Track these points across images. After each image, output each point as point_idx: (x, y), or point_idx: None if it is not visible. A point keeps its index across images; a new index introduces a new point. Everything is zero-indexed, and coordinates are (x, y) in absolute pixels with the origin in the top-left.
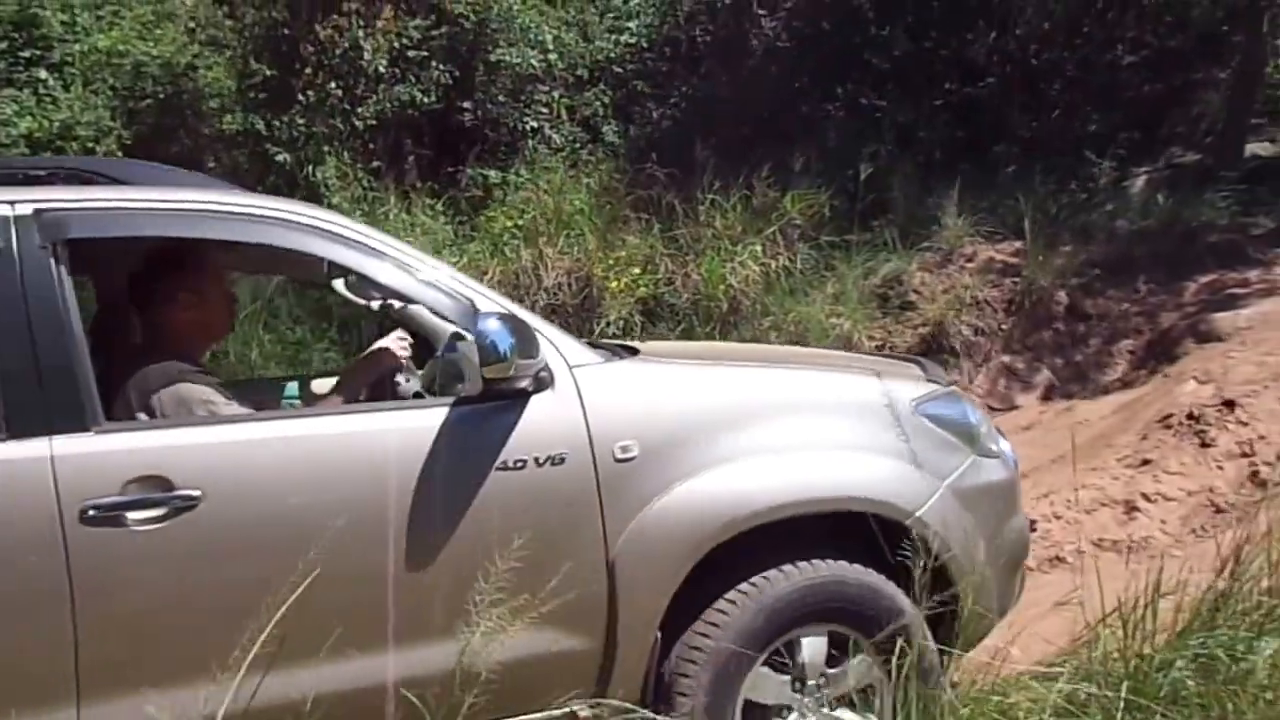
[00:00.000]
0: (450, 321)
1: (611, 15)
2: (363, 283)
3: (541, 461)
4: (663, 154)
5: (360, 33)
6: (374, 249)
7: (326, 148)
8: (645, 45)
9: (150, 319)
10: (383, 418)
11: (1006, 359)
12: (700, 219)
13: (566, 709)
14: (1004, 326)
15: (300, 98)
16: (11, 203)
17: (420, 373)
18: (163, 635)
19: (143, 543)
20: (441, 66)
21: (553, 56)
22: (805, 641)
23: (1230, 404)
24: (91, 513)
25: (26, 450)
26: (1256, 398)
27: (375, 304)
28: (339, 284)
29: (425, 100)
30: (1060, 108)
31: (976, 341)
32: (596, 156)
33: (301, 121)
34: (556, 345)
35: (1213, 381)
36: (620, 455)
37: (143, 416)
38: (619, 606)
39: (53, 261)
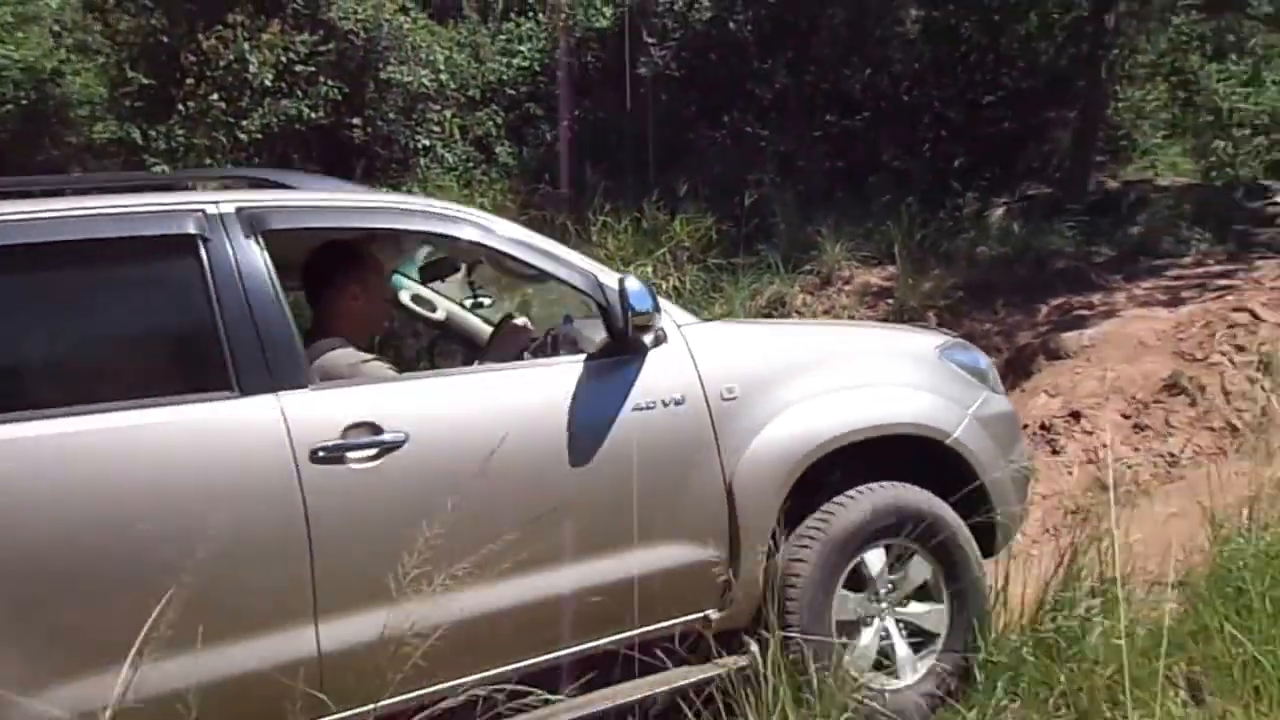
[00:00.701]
0: (582, 291)
1: (504, 38)
2: (506, 262)
3: (666, 403)
4: (555, 175)
5: (246, 45)
6: (514, 237)
7: (208, 160)
8: (538, 69)
9: (323, 306)
10: (544, 370)
11: None
12: (593, 240)
13: (702, 614)
14: None
15: (180, 108)
16: (216, 202)
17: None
18: (380, 555)
19: (360, 477)
20: (330, 82)
21: (444, 76)
22: (869, 558)
23: (1076, 415)
24: (321, 453)
25: (260, 405)
26: (1099, 409)
27: (439, 314)
28: (404, 295)
29: (314, 115)
30: (928, 142)
31: None
32: (490, 176)
33: (181, 132)
34: (665, 308)
35: (1061, 395)
36: (727, 395)
37: None
38: (738, 521)
39: (259, 249)
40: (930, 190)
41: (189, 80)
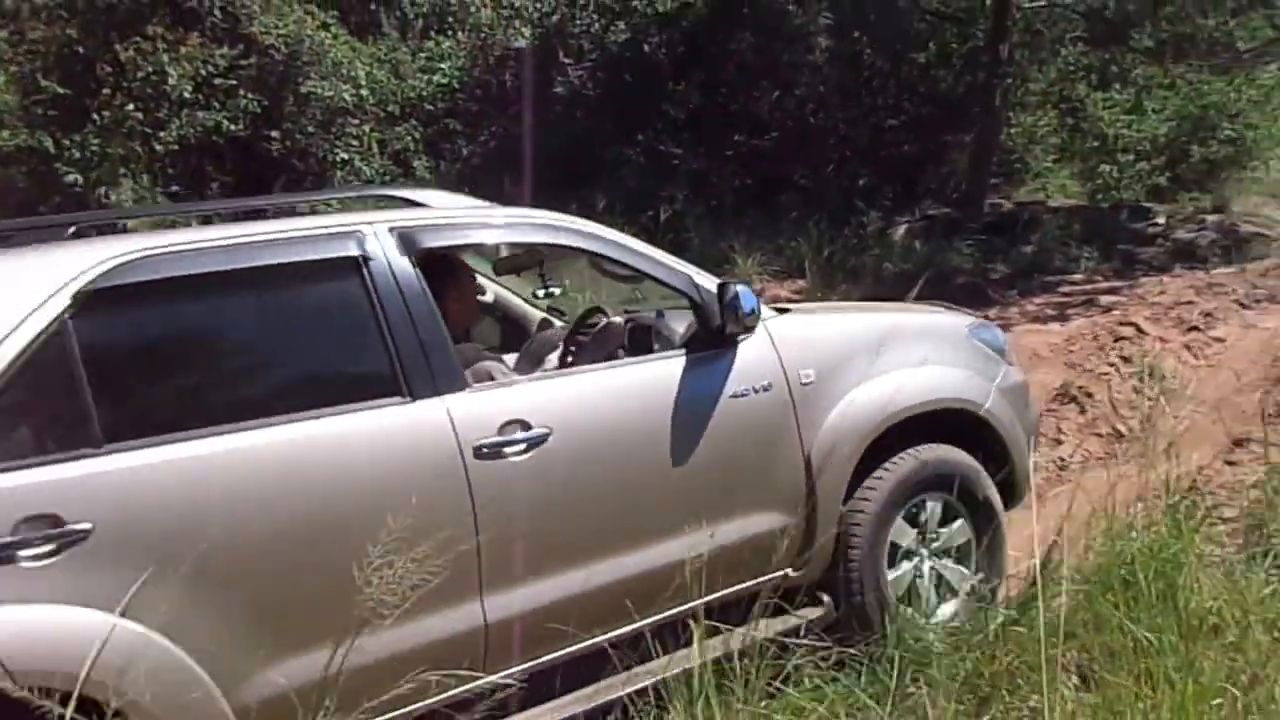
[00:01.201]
0: (678, 290)
1: (424, 55)
2: (606, 264)
3: (757, 390)
4: (474, 190)
5: (165, 57)
6: (619, 243)
7: (123, 170)
8: (457, 86)
9: None
10: (656, 365)
11: None
12: None
13: (782, 571)
14: None
15: (95, 118)
16: (371, 223)
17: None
18: (533, 536)
19: (515, 469)
20: (250, 95)
21: (364, 91)
22: (929, 504)
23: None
24: (484, 449)
25: (428, 408)
26: None
27: (488, 297)
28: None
29: (232, 128)
30: (834, 163)
31: None
32: None
33: (96, 142)
34: None
35: None
36: (804, 380)
37: None
38: (815, 490)
39: (413, 266)
40: (837, 209)
41: (105, 90)
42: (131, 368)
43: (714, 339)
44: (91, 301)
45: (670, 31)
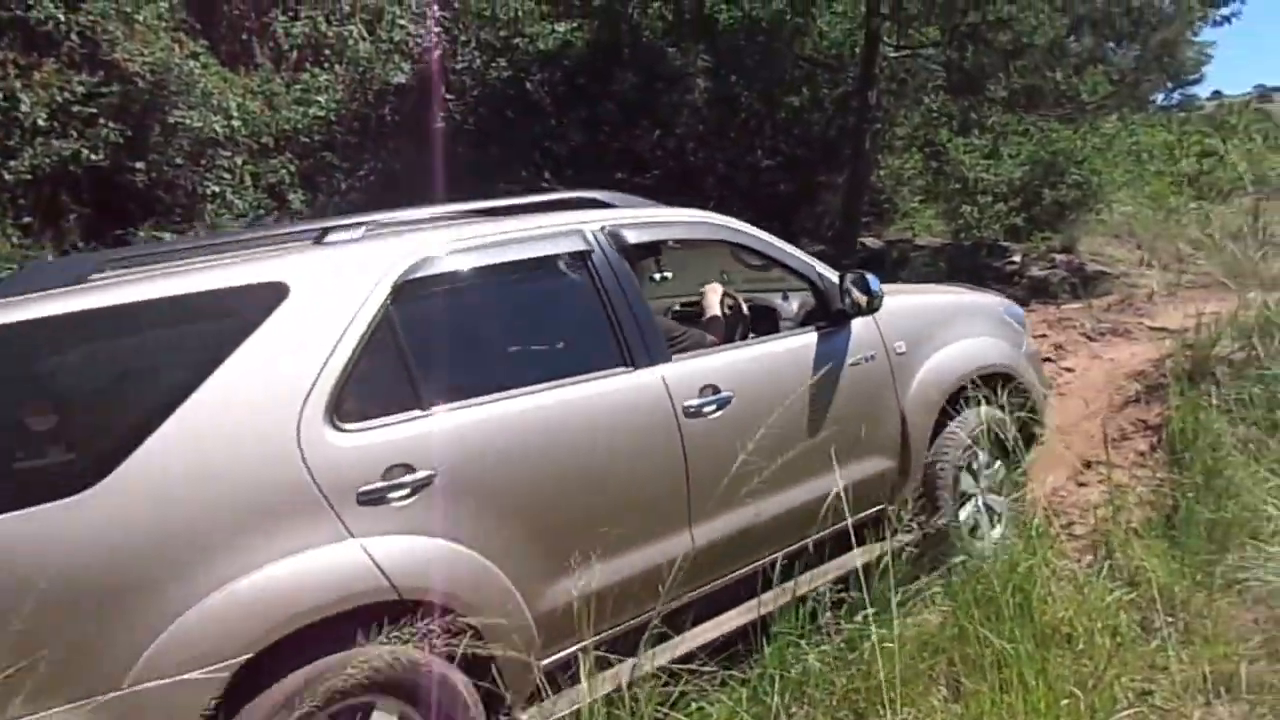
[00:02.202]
0: (804, 278)
1: (299, 88)
2: (746, 255)
3: (867, 359)
4: None
5: (17, 84)
6: (763, 239)
7: None
8: (333, 119)
9: None
10: (798, 339)
11: None
12: None
13: (880, 506)
14: None
15: None
16: (588, 223)
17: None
18: (724, 478)
19: (711, 425)
20: (111, 124)
21: (236, 123)
22: (980, 454)
23: None
24: (690, 409)
25: (649, 375)
26: None
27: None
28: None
29: (92, 157)
30: (713, 200)
31: None
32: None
33: None
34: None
35: None
36: (898, 351)
37: None
38: (909, 437)
39: (625, 260)
40: None
41: None
42: (436, 344)
43: (832, 318)
44: (405, 290)
45: (552, 69)
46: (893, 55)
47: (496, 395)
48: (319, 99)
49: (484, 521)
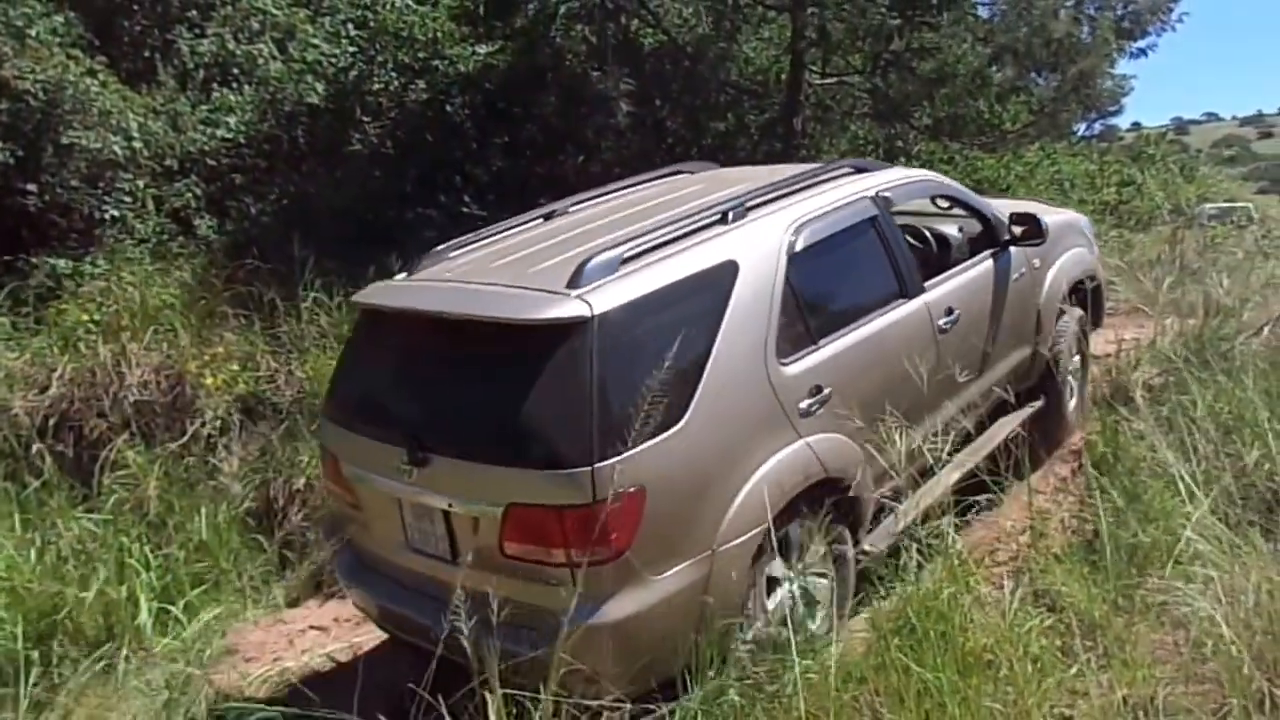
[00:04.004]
0: (989, 217)
1: (206, 108)
2: (956, 205)
3: (1022, 274)
4: (263, 250)
5: None
6: (961, 189)
7: None
8: (243, 141)
9: None
10: (986, 262)
11: None
12: (303, 317)
13: (1019, 384)
14: None
15: None
16: (868, 188)
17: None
18: (952, 367)
19: (948, 336)
20: (1, 144)
21: (137, 144)
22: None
23: None
24: (941, 326)
25: (918, 304)
26: None
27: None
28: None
29: None
30: None
31: None
32: (189, 250)
33: None
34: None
35: None
36: (1035, 265)
37: None
38: (1041, 331)
39: (890, 216)
40: None
41: None
42: (810, 294)
43: (1002, 245)
44: (793, 256)
45: (472, 92)
46: (818, 82)
47: (849, 327)
48: (227, 120)
49: (851, 416)
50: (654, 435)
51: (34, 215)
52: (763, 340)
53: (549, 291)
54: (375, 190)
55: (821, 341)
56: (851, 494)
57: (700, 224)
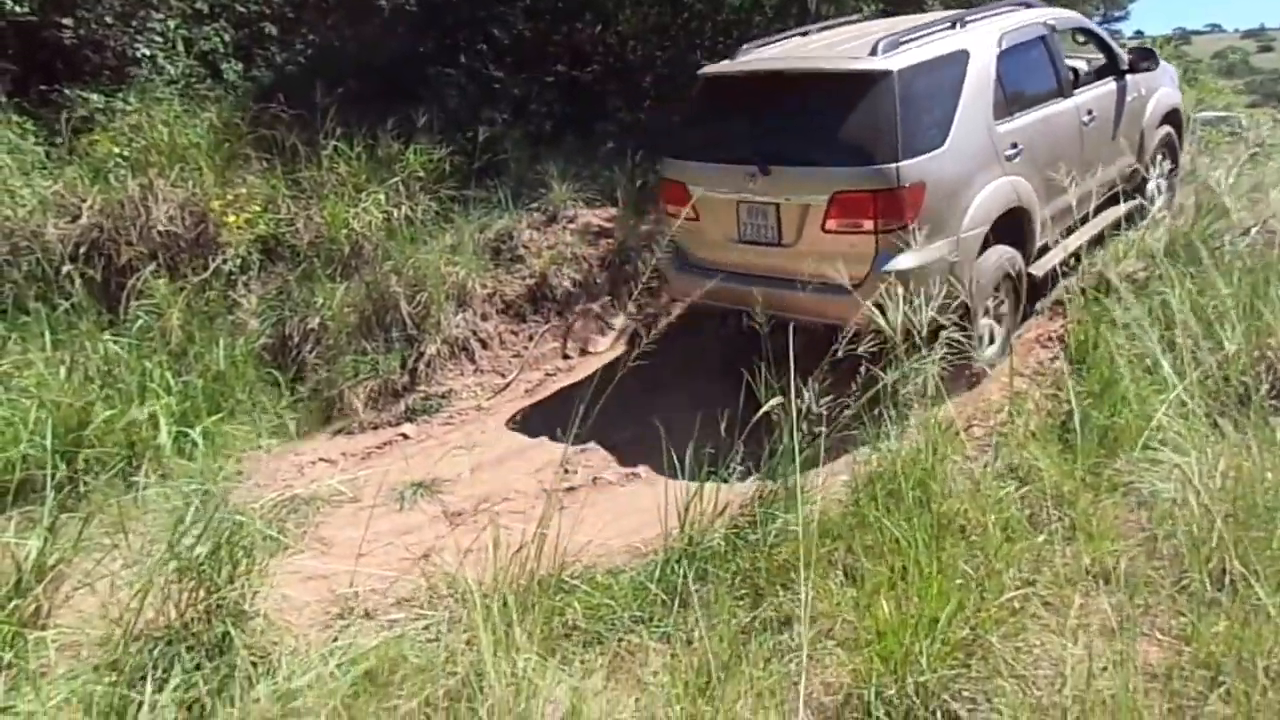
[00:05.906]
0: (1112, 51)
1: None
2: (1089, 40)
3: (1137, 97)
4: (287, 97)
5: None
6: (1094, 26)
7: None
8: None
9: None
10: (1111, 83)
11: (596, 307)
12: (324, 164)
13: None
14: (598, 280)
15: None
16: (1039, 16)
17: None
18: (1091, 157)
19: (1088, 129)
20: None
21: None
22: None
23: None
24: (1085, 122)
25: (1072, 102)
26: None
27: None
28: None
29: (16, 9)
30: (651, 97)
31: (574, 292)
32: (215, 93)
33: None
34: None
35: None
36: (1143, 94)
37: None
38: (1145, 143)
39: (1058, 37)
40: (652, 141)
41: None
42: (1011, 80)
43: (1121, 73)
44: (1001, 53)
45: None
46: None
47: (1033, 109)
48: None
49: (1035, 171)
50: (928, 151)
51: (68, 49)
52: (987, 103)
53: (860, 57)
54: (398, 47)
55: (1016, 114)
56: (1030, 223)
57: (939, 29)
